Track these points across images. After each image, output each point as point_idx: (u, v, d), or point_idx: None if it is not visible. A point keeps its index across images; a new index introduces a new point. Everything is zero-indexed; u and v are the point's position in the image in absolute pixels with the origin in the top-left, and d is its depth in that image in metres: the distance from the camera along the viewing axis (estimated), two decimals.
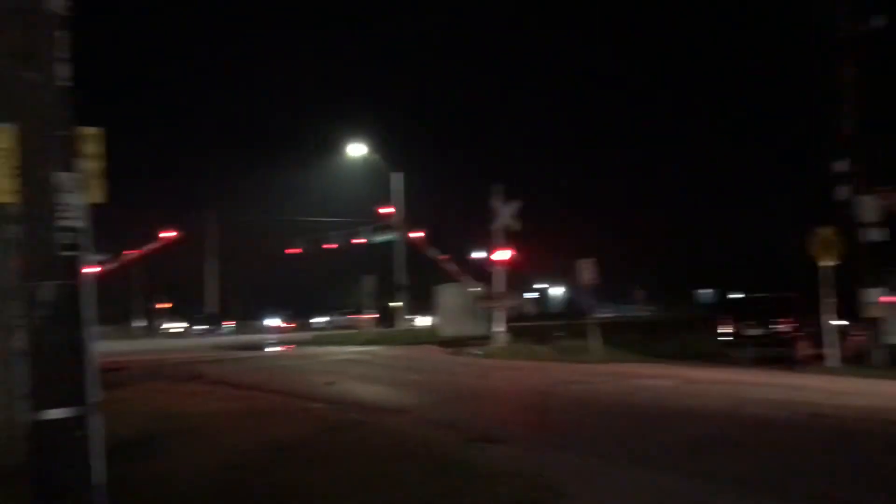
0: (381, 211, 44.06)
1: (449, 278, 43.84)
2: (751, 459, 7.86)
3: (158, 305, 67.97)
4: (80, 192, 4.12)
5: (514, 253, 27.36)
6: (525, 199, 27.44)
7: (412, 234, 44.20)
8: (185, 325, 59.94)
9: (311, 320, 63.75)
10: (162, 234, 54.80)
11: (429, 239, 45.73)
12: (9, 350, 10.29)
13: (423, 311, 55.11)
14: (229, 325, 62.01)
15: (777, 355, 18.94)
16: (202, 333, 57.07)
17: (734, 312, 21.17)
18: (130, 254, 52.95)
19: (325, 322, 60.62)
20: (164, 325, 61.20)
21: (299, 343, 37.12)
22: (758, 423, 10.12)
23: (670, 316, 58.56)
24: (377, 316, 51.44)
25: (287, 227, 62.89)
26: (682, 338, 27.70)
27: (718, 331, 20.63)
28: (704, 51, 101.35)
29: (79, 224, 4.05)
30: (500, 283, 27.15)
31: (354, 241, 54.74)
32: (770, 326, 19.68)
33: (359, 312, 53.72)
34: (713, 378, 15.28)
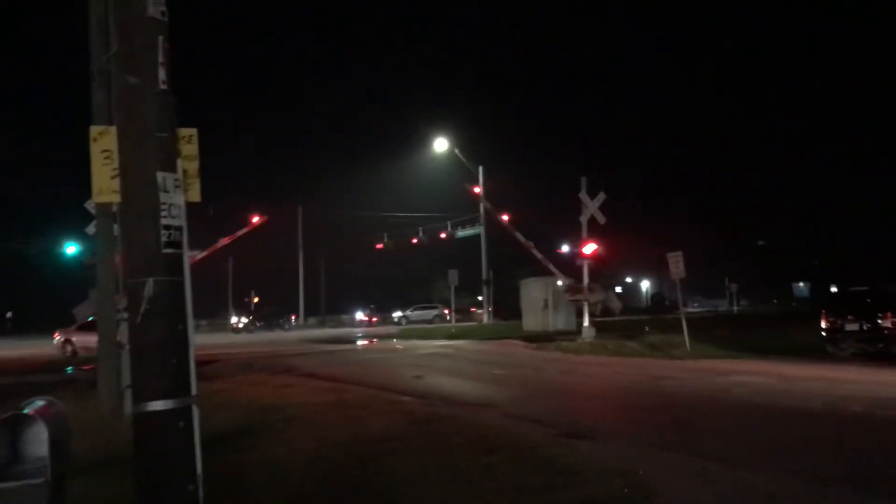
0: (474, 189, 42.79)
1: (533, 272, 43.50)
2: (852, 459, 7.54)
3: (251, 300, 69.88)
4: (180, 192, 4.24)
5: (601, 246, 26.96)
6: (612, 192, 27.02)
7: (502, 216, 42.64)
8: (244, 320, 60.66)
9: (392, 314, 64.46)
10: (252, 219, 55.37)
11: (513, 225, 44.75)
12: (114, 343, 10.80)
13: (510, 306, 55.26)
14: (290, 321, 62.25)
15: (879, 352, 18.08)
16: (264, 329, 57.46)
17: (832, 307, 20.29)
18: (223, 240, 53.70)
19: (400, 316, 60.84)
20: (233, 320, 62.09)
21: (384, 337, 37.55)
22: (859, 421, 9.70)
23: (763, 310, 56.78)
24: (490, 310, 51.61)
25: (371, 222, 63.82)
26: (776, 333, 26.80)
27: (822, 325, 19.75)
28: (797, 47, 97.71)
29: (179, 222, 4.17)
30: (586, 277, 26.81)
31: (442, 235, 55.10)
32: (871, 321, 18.74)
33: (447, 307, 54.10)
34: (810, 375, 14.70)
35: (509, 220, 43.96)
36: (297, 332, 50.24)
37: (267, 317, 61.02)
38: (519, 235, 41.27)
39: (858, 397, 11.50)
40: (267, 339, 41.23)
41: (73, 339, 27.04)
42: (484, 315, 51.57)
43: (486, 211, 40.18)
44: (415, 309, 61.09)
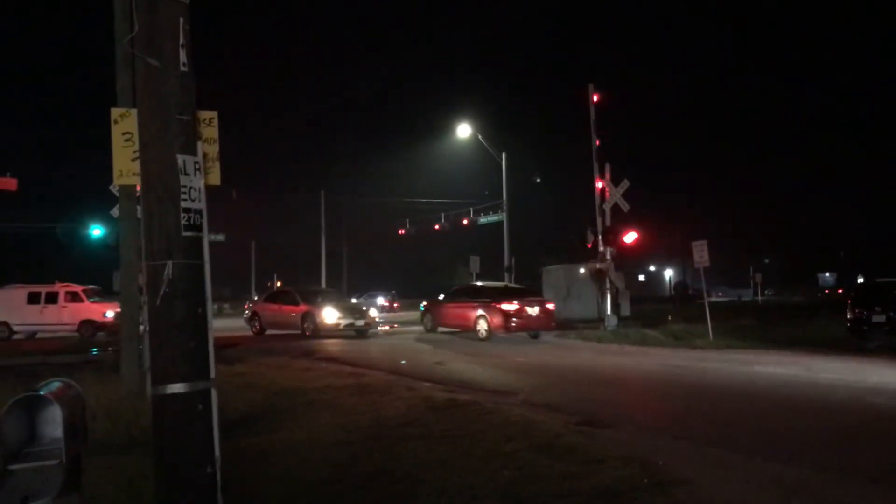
0: (593, 97, 27.75)
1: (556, 260, 43.21)
2: (873, 452, 7.42)
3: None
4: (200, 175, 4.23)
5: (624, 234, 26.71)
6: (637, 179, 26.57)
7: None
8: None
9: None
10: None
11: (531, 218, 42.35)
12: (137, 324, 10.89)
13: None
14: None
15: None
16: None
17: (859, 298, 20.02)
18: None
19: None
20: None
21: (405, 322, 37.54)
22: (882, 415, 9.56)
23: (788, 300, 56.17)
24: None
25: (394, 208, 63.90)
26: (801, 324, 26.50)
27: (848, 317, 19.50)
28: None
29: (199, 205, 4.16)
30: (609, 264, 26.57)
31: (464, 221, 54.93)
32: None
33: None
34: (834, 367, 14.50)
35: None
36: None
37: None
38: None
39: (883, 390, 11.33)
40: None
41: None
42: None
43: (594, 124, 27.37)
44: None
